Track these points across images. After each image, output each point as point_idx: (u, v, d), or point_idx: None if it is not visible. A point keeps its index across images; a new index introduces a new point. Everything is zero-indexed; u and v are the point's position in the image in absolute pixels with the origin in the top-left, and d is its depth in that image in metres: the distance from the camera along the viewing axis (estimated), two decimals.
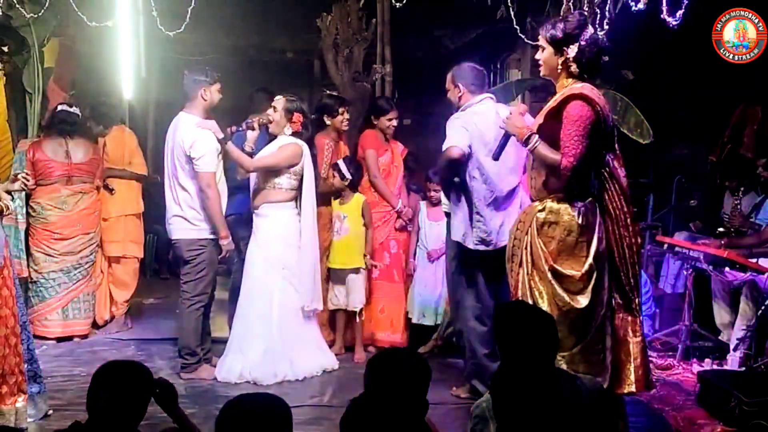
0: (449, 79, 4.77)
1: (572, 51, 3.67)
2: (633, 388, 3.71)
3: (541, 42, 3.79)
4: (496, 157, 4.01)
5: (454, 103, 4.78)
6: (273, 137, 5.26)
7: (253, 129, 5.16)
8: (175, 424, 2.81)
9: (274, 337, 5.10)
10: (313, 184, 5.25)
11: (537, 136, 3.69)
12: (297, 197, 5.22)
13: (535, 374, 2.66)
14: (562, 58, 3.70)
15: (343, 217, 5.71)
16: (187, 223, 5.05)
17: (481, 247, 4.56)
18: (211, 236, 5.05)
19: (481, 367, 4.68)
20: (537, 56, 3.85)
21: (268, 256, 5.13)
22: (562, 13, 3.87)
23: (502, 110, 4.70)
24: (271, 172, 5.12)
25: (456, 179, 4.58)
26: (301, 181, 5.18)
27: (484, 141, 4.49)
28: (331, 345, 5.66)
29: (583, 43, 3.66)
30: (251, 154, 5.13)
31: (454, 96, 4.75)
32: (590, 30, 3.76)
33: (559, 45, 3.71)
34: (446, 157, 4.47)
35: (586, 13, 4.36)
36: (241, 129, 5.16)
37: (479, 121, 4.55)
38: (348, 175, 5.66)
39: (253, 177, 5.24)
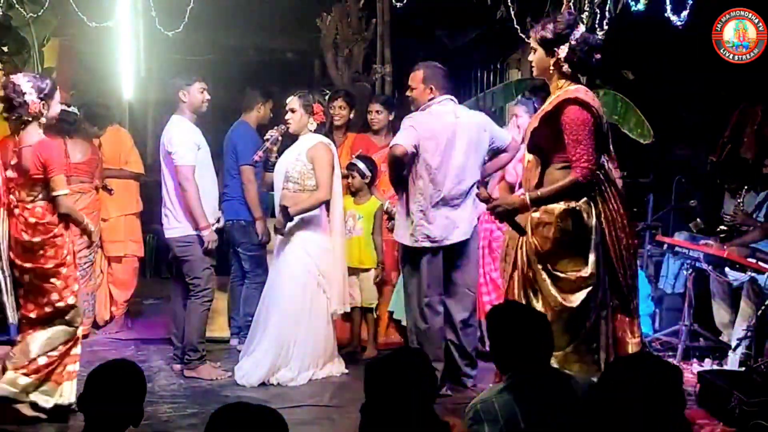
0: (419, 77, 4.67)
1: (563, 51, 3.65)
2: None
3: (532, 44, 3.78)
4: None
5: (414, 102, 4.73)
6: (294, 137, 5.17)
7: (271, 152, 5.10)
8: None
9: (302, 342, 5.01)
10: (340, 184, 5.22)
11: (529, 193, 3.64)
12: None
13: (531, 376, 2.65)
14: (554, 59, 3.68)
15: (358, 218, 5.66)
16: (172, 221, 5.08)
17: (426, 244, 4.58)
18: (194, 232, 5.04)
19: None
20: (529, 58, 3.83)
21: (308, 264, 5.02)
22: (553, 14, 3.86)
23: (460, 111, 4.70)
24: (305, 176, 4.99)
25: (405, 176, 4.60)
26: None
27: (435, 141, 4.52)
28: (342, 345, 5.59)
29: (573, 42, 3.63)
30: (273, 165, 5.11)
31: (420, 95, 4.67)
32: (581, 29, 3.74)
33: (549, 46, 3.69)
34: (390, 155, 4.54)
35: (575, 13, 4.34)
36: (258, 162, 5.17)
37: (431, 121, 4.57)
38: (368, 173, 5.63)
39: (278, 181, 5.13)
